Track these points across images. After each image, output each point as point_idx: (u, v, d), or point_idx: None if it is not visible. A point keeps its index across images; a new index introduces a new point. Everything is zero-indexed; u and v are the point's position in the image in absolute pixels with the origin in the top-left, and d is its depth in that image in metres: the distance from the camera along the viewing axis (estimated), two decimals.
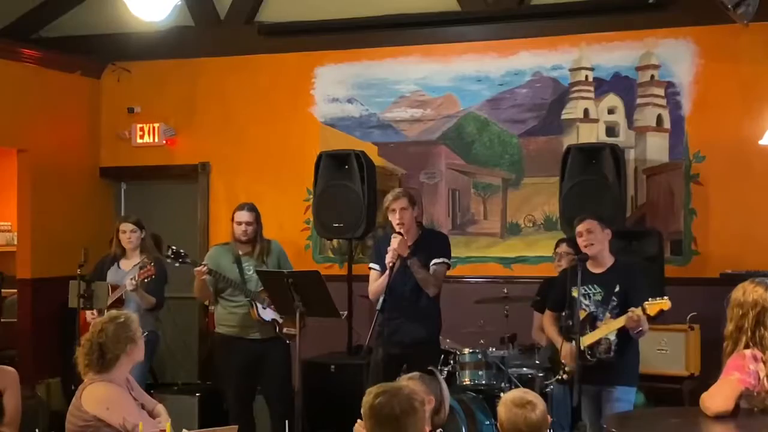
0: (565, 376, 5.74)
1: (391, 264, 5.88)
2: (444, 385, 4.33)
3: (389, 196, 6.12)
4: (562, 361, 5.71)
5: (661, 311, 5.37)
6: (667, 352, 6.84)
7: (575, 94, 7.86)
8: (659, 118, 7.64)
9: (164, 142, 8.88)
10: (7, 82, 8.17)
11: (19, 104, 8.26)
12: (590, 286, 5.65)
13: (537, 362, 6.61)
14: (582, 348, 5.49)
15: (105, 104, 9.13)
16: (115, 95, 9.04)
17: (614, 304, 5.59)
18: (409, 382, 4.09)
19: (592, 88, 7.82)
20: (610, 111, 7.77)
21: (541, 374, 6.48)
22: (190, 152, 8.84)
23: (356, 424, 3.73)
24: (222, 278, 6.67)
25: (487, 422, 6.03)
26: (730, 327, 4.14)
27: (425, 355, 5.87)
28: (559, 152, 7.50)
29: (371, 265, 6.27)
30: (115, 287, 6.80)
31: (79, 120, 8.96)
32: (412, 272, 6.00)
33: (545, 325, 6.03)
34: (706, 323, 6.70)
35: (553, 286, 6.11)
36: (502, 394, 4.63)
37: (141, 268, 6.70)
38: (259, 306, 6.64)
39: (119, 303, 6.70)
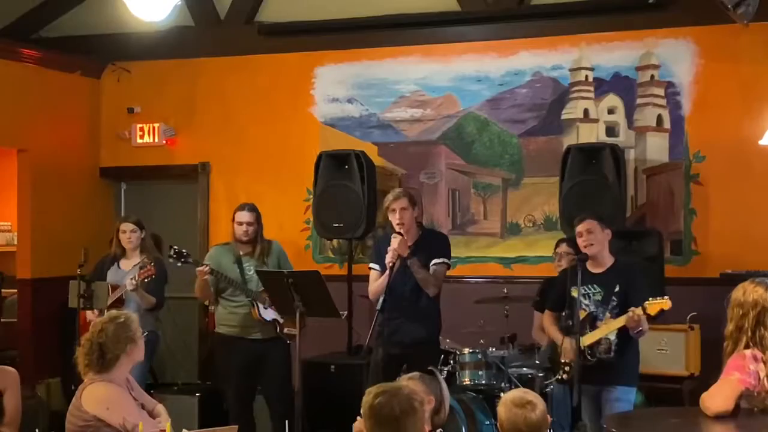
0: (564, 376, 5.73)
1: (391, 264, 5.89)
2: (444, 385, 4.33)
3: (389, 196, 6.12)
4: (563, 357, 5.71)
5: (662, 311, 5.37)
6: (667, 352, 6.84)
7: (575, 94, 7.86)
8: (659, 118, 7.64)
9: (164, 142, 8.88)
10: (7, 82, 8.17)
11: (19, 104, 8.26)
12: (590, 286, 5.65)
13: (537, 362, 6.60)
14: (582, 348, 5.50)
15: (105, 104, 9.13)
16: (115, 95, 9.04)
17: (614, 303, 5.60)
18: (409, 382, 4.09)
19: (592, 88, 7.82)
20: (610, 111, 7.77)
21: (541, 374, 6.47)
22: (190, 152, 8.84)
23: (356, 422, 3.72)
24: (223, 278, 6.67)
25: (487, 422, 6.03)
26: (730, 327, 4.14)
27: (425, 355, 5.87)
28: (559, 152, 7.50)
29: (371, 265, 6.28)
30: (115, 287, 6.80)
31: (79, 120, 8.96)
32: (412, 272, 6.00)
33: (545, 324, 6.04)
34: (706, 323, 6.70)
35: (553, 286, 6.12)
36: (502, 394, 4.63)
37: (141, 268, 6.70)
38: (261, 306, 6.64)
39: (119, 303, 6.71)
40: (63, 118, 8.78)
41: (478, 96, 8.09)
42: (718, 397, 4.01)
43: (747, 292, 4.12)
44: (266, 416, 6.99)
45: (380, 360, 6.01)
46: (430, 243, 6.20)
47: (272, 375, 6.77)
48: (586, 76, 7.83)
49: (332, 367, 7.36)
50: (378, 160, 8.17)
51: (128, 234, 7.02)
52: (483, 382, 6.39)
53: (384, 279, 5.93)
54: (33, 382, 7.76)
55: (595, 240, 5.67)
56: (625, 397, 5.60)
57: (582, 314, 5.57)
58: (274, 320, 6.66)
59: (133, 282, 6.60)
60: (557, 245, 7.03)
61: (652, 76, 7.66)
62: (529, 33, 7.96)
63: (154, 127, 8.89)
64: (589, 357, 5.53)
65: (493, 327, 6.83)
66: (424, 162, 8.24)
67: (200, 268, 6.60)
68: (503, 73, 8.02)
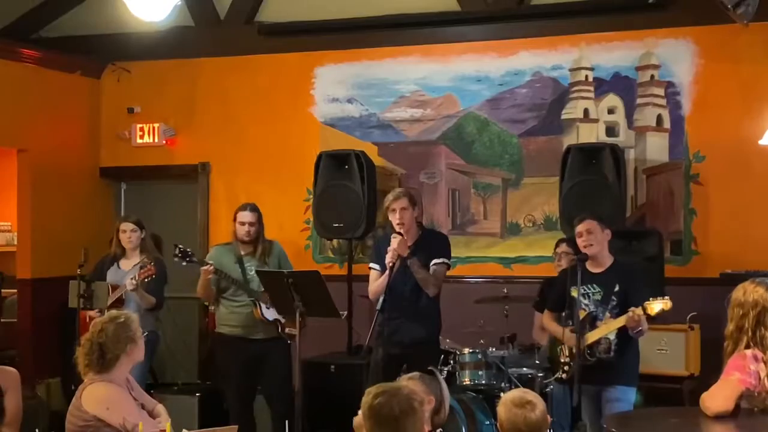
0: (564, 375, 5.74)
1: (391, 264, 5.88)
2: (444, 385, 4.33)
3: (390, 196, 6.12)
4: (565, 352, 5.71)
5: (662, 311, 5.37)
6: (667, 352, 6.84)
7: (575, 94, 7.86)
8: (659, 118, 7.64)
9: (164, 142, 8.88)
10: (7, 82, 8.17)
11: (19, 104, 8.26)
12: (590, 286, 5.65)
13: (537, 362, 6.60)
14: (582, 347, 5.50)
15: (105, 104, 9.13)
16: (115, 95, 9.04)
17: (614, 303, 5.60)
18: (409, 382, 4.09)
19: (592, 88, 7.82)
20: (610, 111, 7.77)
21: (541, 374, 6.48)
22: (190, 152, 8.84)
23: (357, 416, 3.71)
24: (227, 278, 6.67)
25: (487, 422, 6.03)
26: (730, 327, 4.14)
27: (425, 355, 5.87)
28: (559, 152, 7.50)
29: (371, 265, 6.27)
30: (115, 287, 6.81)
31: (79, 120, 8.96)
32: (412, 272, 6.00)
33: (545, 322, 6.05)
34: (706, 323, 6.69)
35: (553, 286, 6.12)
36: (502, 394, 4.63)
37: (141, 268, 6.70)
38: (263, 306, 6.64)
39: (119, 303, 6.71)
40: (63, 118, 8.78)
41: (478, 96, 8.09)
42: (718, 397, 4.01)
43: (747, 292, 4.13)
44: (266, 416, 6.99)
45: (380, 360, 6.01)
46: (430, 243, 6.20)
47: (273, 375, 6.77)
48: (586, 76, 7.83)
49: (332, 367, 7.36)
50: (378, 160, 8.17)
51: (128, 234, 7.02)
52: (483, 382, 6.39)
53: (384, 279, 5.93)
54: (33, 382, 7.75)
55: (595, 240, 5.67)
56: (624, 397, 5.60)
57: (582, 314, 5.58)
58: (276, 320, 6.66)
59: (134, 282, 6.60)
60: (557, 245, 7.03)
61: (652, 76, 7.66)
62: (529, 33, 7.96)
63: (154, 127, 8.90)
64: (588, 357, 5.53)
65: (493, 327, 6.83)
66: (424, 162, 8.24)
67: (205, 268, 6.61)
68: (503, 73, 8.02)
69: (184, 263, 6.69)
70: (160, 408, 4.80)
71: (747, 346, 4.06)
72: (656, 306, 5.34)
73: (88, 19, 8.99)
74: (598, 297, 5.64)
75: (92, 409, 4.43)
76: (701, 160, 7.51)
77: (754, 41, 7.31)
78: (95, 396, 4.46)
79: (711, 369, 4.51)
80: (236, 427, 4.56)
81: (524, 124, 7.99)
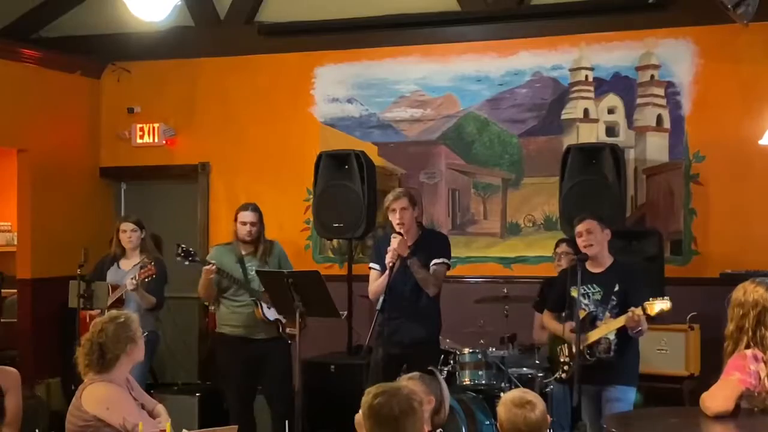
0: (563, 375, 5.74)
1: (391, 264, 5.88)
2: (444, 385, 4.33)
3: (390, 196, 6.12)
4: (564, 351, 5.71)
5: (661, 311, 5.37)
6: (667, 352, 6.84)
7: (575, 94, 7.86)
8: (659, 118, 7.64)
9: (164, 142, 8.88)
10: (7, 82, 8.17)
11: (19, 104, 8.26)
12: (590, 286, 5.65)
13: (537, 362, 6.61)
14: (581, 347, 5.50)
15: (105, 104, 9.13)
16: (115, 95, 9.04)
17: (614, 303, 5.60)
18: (408, 382, 4.09)
19: (592, 88, 7.82)
20: (610, 111, 7.77)
21: (541, 374, 6.48)
22: (190, 152, 8.84)
23: (358, 414, 3.70)
24: (228, 277, 6.67)
25: (487, 422, 6.03)
26: (730, 327, 4.14)
27: (425, 355, 5.87)
28: (559, 152, 7.50)
29: (371, 264, 6.27)
30: (115, 287, 6.81)
31: (79, 120, 8.96)
32: (412, 272, 6.00)
33: (545, 321, 6.06)
34: (706, 323, 6.70)
35: (553, 286, 6.12)
36: (502, 394, 4.63)
37: (141, 268, 6.70)
38: (264, 306, 6.64)
39: (119, 303, 6.71)
40: (63, 118, 8.78)
41: (478, 96, 8.09)
42: (718, 397, 4.01)
43: (747, 292, 4.12)
44: (266, 416, 6.99)
45: (380, 360, 6.00)
46: (430, 243, 6.20)
47: (273, 375, 6.77)
48: (586, 76, 7.83)
49: (332, 367, 7.36)
50: (378, 160, 8.17)
51: (128, 234, 7.02)
52: (483, 382, 6.39)
53: (384, 279, 5.93)
54: (33, 382, 7.75)
55: (595, 240, 5.67)
56: (624, 397, 5.60)
57: (582, 314, 5.57)
58: (277, 320, 6.66)
59: (134, 282, 6.60)
60: (557, 245, 7.04)
61: (652, 76, 7.66)
62: (529, 33, 7.96)
63: (154, 127, 8.90)
64: (588, 357, 5.53)
65: (493, 327, 6.83)
66: (424, 162, 8.24)
67: (207, 267, 6.61)
68: (503, 73, 8.02)
69: (187, 263, 6.69)
70: (160, 408, 4.80)
71: (747, 346, 4.05)
72: (656, 306, 5.33)
73: (88, 19, 8.99)
74: (598, 297, 5.64)
75: (92, 409, 4.43)
76: (701, 160, 7.51)
77: (754, 41, 7.31)
78: (95, 396, 4.46)
79: (711, 369, 4.51)
80: (236, 427, 4.56)
81: (524, 124, 7.99)
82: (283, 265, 6.75)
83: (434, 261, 6.09)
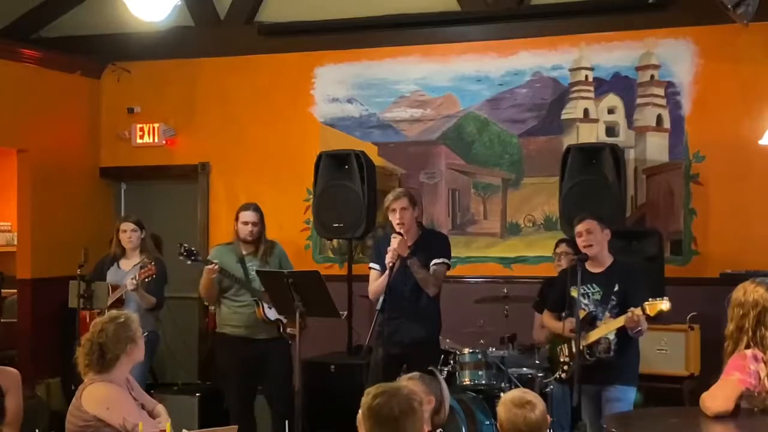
0: (563, 375, 5.74)
1: (391, 264, 5.89)
2: (444, 385, 4.33)
3: (390, 196, 6.12)
4: (564, 351, 5.72)
5: (661, 311, 5.37)
6: (667, 352, 6.84)
7: (575, 94, 7.86)
8: (659, 118, 7.64)
9: (164, 142, 8.88)
10: (7, 82, 8.17)
11: (19, 104, 8.26)
12: (589, 286, 5.65)
13: (537, 362, 6.61)
14: (581, 347, 5.50)
15: (105, 104, 9.13)
16: (115, 95, 9.04)
17: (613, 303, 5.60)
18: (408, 382, 4.09)
19: (592, 88, 7.82)
20: (610, 111, 7.77)
21: (541, 374, 6.48)
22: (190, 152, 8.84)
23: (359, 414, 3.70)
24: (230, 277, 6.67)
25: (487, 422, 6.04)
26: (730, 327, 4.14)
27: (425, 355, 5.87)
28: (559, 152, 7.49)
29: (371, 265, 6.27)
30: (115, 287, 6.81)
31: (79, 120, 8.96)
32: (412, 272, 6.00)
33: (545, 320, 6.06)
34: (706, 323, 6.70)
35: (553, 286, 6.12)
36: (502, 394, 4.63)
37: (141, 268, 6.70)
38: (265, 306, 6.64)
39: (119, 303, 6.71)
40: (63, 118, 8.78)
41: (478, 96, 8.09)
42: (718, 397, 4.01)
43: (747, 292, 4.13)
44: (267, 416, 6.99)
45: (380, 360, 6.00)
46: (430, 243, 6.20)
47: (273, 375, 6.77)
48: (586, 76, 7.83)
49: (332, 367, 7.36)
50: (378, 160, 8.17)
51: (128, 234, 7.02)
52: (483, 382, 6.39)
53: (384, 279, 5.93)
54: (33, 382, 7.75)
55: (595, 240, 5.67)
56: (624, 397, 5.61)
57: (581, 314, 5.57)
58: (278, 320, 6.66)
59: (134, 282, 6.60)
60: (557, 245, 7.04)
61: (652, 76, 7.66)
62: (529, 33, 7.96)
63: (154, 127, 8.90)
64: (588, 357, 5.53)
65: (493, 327, 6.83)
66: (424, 162, 8.24)
67: (209, 267, 6.60)
68: (503, 73, 8.02)
69: (189, 262, 6.69)
70: (160, 408, 4.80)
71: (747, 346, 4.06)
72: (656, 306, 5.34)
73: (88, 19, 8.99)
74: (597, 297, 5.64)
75: (92, 409, 4.43)
76: (701, 160, 7.51)
77: (754, 41, 7.31)
78: (95, 396, 4.46)
79: (711, 369, 4.51)
80: (236, 427, 4.56)
81: (524, 124, 7.99)
82: (284, 266, 6.75)
83: (434, 261, 6.09)
